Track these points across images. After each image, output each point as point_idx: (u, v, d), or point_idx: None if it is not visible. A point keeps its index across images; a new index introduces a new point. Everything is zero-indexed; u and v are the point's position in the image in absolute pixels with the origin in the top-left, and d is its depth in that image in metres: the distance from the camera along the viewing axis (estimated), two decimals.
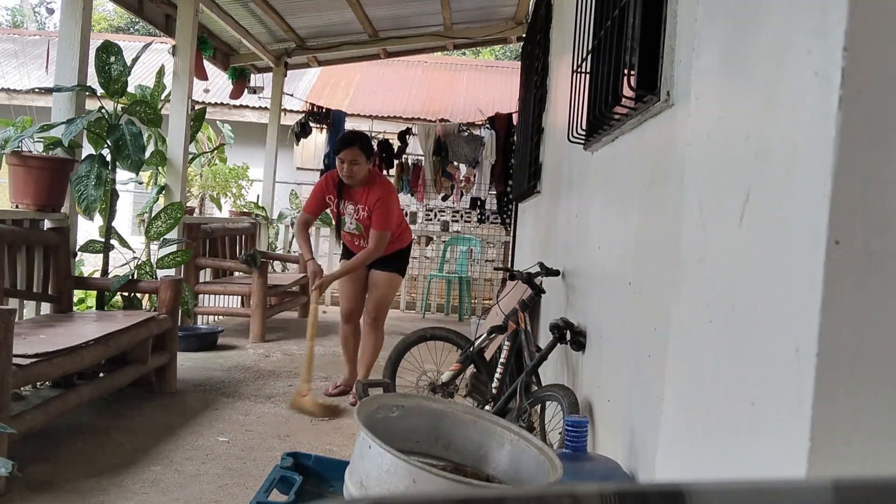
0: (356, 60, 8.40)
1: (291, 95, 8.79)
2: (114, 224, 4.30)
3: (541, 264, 3.23)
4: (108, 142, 4.06)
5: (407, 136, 8.11)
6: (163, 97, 4.99)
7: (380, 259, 3.95)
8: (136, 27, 18.22)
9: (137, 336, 3.48)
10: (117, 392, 3.62)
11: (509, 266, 6.25)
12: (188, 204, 6.57)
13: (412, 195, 8.44)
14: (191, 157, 5.86)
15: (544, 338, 3.10)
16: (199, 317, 5.97)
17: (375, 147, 8.30)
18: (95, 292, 4.37)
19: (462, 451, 1.91)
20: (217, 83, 10.21)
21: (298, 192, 9.06)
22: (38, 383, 3.47)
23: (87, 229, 4.97)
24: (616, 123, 2.08)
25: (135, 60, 4.18)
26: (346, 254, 4.15)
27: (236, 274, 6.37)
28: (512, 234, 7.01)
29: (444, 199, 8.40)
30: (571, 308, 2.88)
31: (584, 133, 2.48)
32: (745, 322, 0.89)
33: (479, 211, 8.38)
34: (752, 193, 0.89)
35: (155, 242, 4.68)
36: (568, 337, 2.63)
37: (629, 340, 1.91)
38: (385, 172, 8.32)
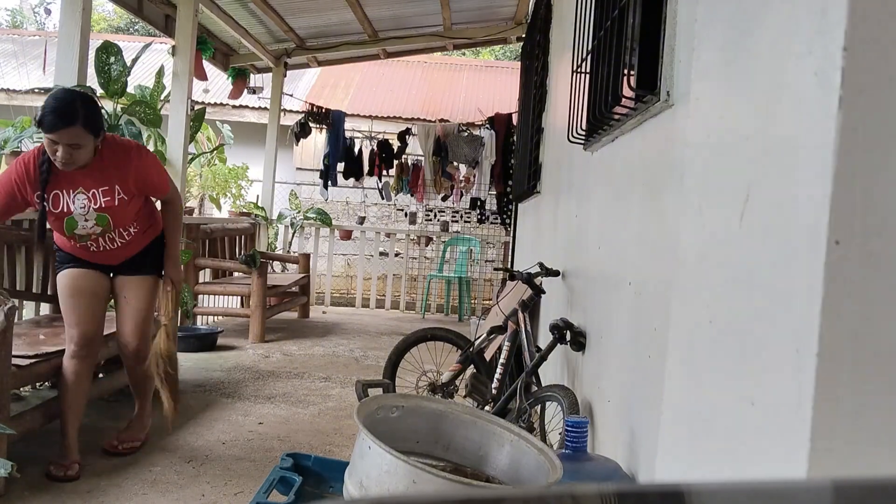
0: (356, 60, 8.39)
1: (291, 96, 8.78)
2: None
3: (541, 264, 3.23)
4: None
5: (407, 137, 8.10)
6: (162, 97, 4.98)
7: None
8: (136, 27, 18.20)
9: None
10: (117, 392, 3.61)
11: (509, 266, 6.25)
12: (188, 204, 6.57)
13: (412, 195, 8.43)
14: (190, 157, 5.86)
15: (544, 338, 3.10)
16: (199, 317, 5.96)
17: (375, 147, 8.29)
18: None
19: (462, 451, 1.91)
20: (216, 83, 10.21)
21: (298, 193, 9.07)
22: (38, 384, 3.46)
23: None
24: (616, 123, 2.08)
25: (134, 61, 4.18)
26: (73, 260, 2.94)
27: (236, 274, 6.37)
28: (512, 235, 7.00)
29: (444, 199, 8.40)
30: (571, 308, 2.88)
31: (584, 133, 2.48)
32: (745, 322, 0.89)
33: (478, 211, 8.38)
34: (752, 193, 0.89)
35: None
36: (568, 337, 2.63)
37: (629, 341, 1.91)
38: (385, 172, 8.29)
